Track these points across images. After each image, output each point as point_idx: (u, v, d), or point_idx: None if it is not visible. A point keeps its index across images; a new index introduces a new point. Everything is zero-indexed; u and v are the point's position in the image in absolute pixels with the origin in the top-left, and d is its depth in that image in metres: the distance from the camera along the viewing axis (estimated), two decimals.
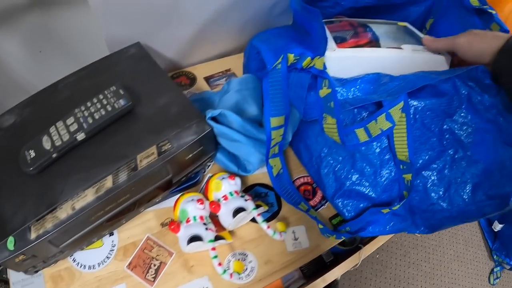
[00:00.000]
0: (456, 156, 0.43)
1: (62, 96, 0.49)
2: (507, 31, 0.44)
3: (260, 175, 0.52)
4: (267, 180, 0.51)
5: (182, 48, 0.59)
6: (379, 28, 0.49)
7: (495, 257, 1.01)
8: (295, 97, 0.45)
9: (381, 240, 0.53)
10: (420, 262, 0.91)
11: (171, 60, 0.61)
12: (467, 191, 0.42)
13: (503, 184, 0.40)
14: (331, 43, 0.44)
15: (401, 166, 0.45)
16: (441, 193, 0.43)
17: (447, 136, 0.42)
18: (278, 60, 0.44)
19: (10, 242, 0.38)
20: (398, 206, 0.44)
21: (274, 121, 0.45)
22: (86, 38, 0.63)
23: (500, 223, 0.96)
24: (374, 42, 0.47)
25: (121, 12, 0.48)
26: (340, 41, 0.46)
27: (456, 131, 0.42)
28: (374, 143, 0.45)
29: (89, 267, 0.45)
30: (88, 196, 0.40)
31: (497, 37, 0.37)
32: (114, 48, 0.53)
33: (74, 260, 0.46)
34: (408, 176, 0.44)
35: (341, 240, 0.48)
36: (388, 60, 0.45)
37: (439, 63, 0.45)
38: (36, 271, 0.44)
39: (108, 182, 0.40)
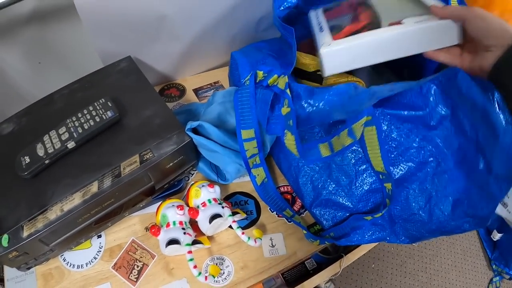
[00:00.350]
0: (438, 169, 0.44)
1: (56, 107, 0.54)
2: None
3: (241, 184, 0.55)
4: (248, 189, 0.55)
5: (173, 62, 0.63)
6: (381, 1, 0.46)
7: (494, 266, 1.00)
8: (260, 113, 0.47)
9: (363, 250, 0.55)
10: (416, 272, 0.92)
11: (162, 73, 0.66)
12: (447, 206, 0.44)
13: (482, 207, 0.41)
14: (326, 37, 0.42)
15: (380, 176, 0.47)
16: (421, 204, 0.45)
17: (430, 147, 0.43)
18: (247, 76, 0.47)
19: (5, 239, 0.42)
20: (380, 214, 0.46)
21: (245, 134, 0.47)
22: (82, 51, 0.68)
23: (499, 232, 0.95)
24: (374, 22, 0.43)
25: (111, 27, 0.53)
26: (337, 31, 0.43)
27: (440, 144, 0.43)
28: (349, 154, 0.47)
29: (78, 267, 0.49)
30: (75, 200, 0.44)
31: None
32: (107, 61, 0.58)
33: (64, 260, 0.50)
34: (388, 185, 0.46)
35: (324, 246, 0.51)
36: (389, 40, 0.41)
37: (448, 32, 0.39)
38: (29, 268, 0.49)
39: (94, 187, 0.44)
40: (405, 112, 0.44)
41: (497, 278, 1.00)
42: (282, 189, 0.56)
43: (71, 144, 0.46)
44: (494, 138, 0.37)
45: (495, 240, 0.98)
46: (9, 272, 0.52)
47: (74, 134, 0.47)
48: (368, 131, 0.44)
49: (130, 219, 0.52)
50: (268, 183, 0.52)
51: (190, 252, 0.44)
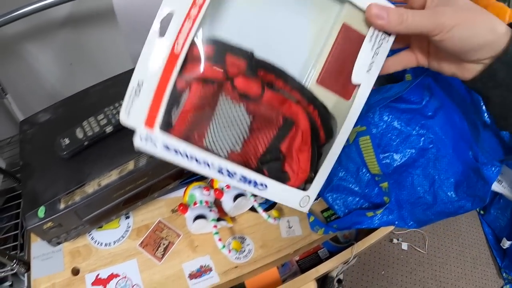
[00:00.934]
0: (438, 154, 0.52)
1: (91, 100, 0.62)
2: None
3: None
4: None
5: None
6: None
7: (504, 274, 1.03)
8: None
9: (373, 238, 0.61)
10: (426, 280, 0.96)
11: None
12: (450, 188, 0.50)
13: (479, 188, 0.48)
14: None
15: (376, 178, 0.54)
16: (426, 187, 0.52)
17: (429, 134, 0.51)
18: None
19: (41, 211, 0.48)
20: (381, 210, 0.53)
21: None
22: (111, 54, 0.77)
23: (508, 240, 0.98)
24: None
25: (144, 30, 0.62)
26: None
27: (438, 131, 0.51)
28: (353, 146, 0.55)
29: (105, 245, 0.55)
30: (112, 176, 0.51)
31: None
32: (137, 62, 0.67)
33: (92, 238, 0.56)
34: (384, 185, 0.54)
35: (328, 235, 0.57)
36: None
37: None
38: (59, 243, 0.54)
39: (130, 165, 0.51)
40: (404, 105, 0.52)
41: (508, 286, 1.03)
42: None
43: (109, 129, 0.54)
44: (477, 130, 0.45)
45: (504, 248, 1.01)
46: (36, 250, 0.57)
47: (112, 120, 0.54)
48: (363, 140, 0.52)
49: (157, 202, 0.58)
50: None
51: (215, 226, 0.50)
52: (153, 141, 0.27)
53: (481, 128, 0.44)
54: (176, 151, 0.27)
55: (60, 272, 0.54)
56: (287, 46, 0.29)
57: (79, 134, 0.54)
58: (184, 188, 0.55)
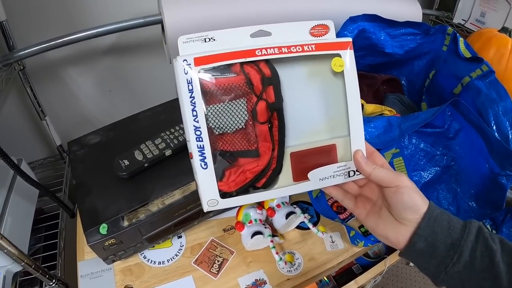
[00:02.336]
0: (459, 170, 0.60)
1: (142, 125, 0.66)
2: (493, 71, 0.60)
3: (301, 195, 0.68)
4: (306, 199, 0.68)
5: None
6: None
7: None
8: None
9: None
10: None
11: None
12: (471, 198, 0.59)
13: (496, 195, 0.56)
14: (212, 185, 0.36)
15: None
16: (450, 200, 0.60)
17: (451, 154, 0.60)
18: None
19: (103, 228, 0.50)
20: None
21: None
22: (150, 83, 0.80)
23: None
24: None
25: None
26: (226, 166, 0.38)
27: (459, 150, 0.59)
28: None
29: (159, 263, 0.57)
30: (176, 196, 0.54)
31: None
32: None
33: (144, 257, 0.58)
34: None
35: (368, 247, 0.62)
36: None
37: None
38: (114, 261, 0.55)
39: (193, 186, 0.55)
40: (429, 130, 0.61)
41: None
42: (332, 199, 0.68)
43: (168, 152, 0.57)
44: (491, 145, 0.55)
45: None
46: (84, 269, 0.58)
47: (171, 144, 0.58)
48: (396, 161, 0.60)
49: (209, 222, 0.61)
50: (321, 197, 0.65)
51: (272, 241, 0.54)
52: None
53: (494, 143, 0.52)
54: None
55: None
56: (301, 118, 0.39)
57: (138, 156, 0.57)
58: (237, 209, 0.58)
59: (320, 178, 0.38)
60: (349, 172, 0.38)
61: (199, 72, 0.33)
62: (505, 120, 0.57)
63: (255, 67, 0.35)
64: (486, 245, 0.32)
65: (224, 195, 0.36)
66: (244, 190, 0.37)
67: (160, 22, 0.65)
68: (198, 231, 0.60)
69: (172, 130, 0.60)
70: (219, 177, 0.36)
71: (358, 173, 0.38)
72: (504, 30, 0.73)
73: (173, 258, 0.57)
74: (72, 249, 0.64)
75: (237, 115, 0.36)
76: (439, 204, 0.61)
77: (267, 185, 0.38)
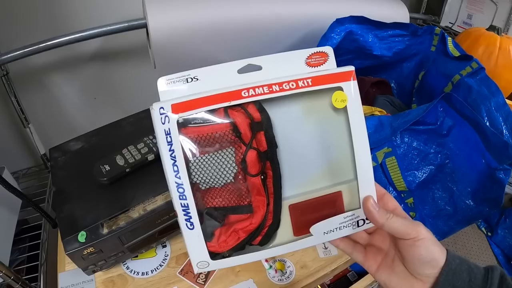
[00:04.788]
0: (454, 168, 0.57)
1: (125, 131, 0.62)
2: (483, 68, 0.58)
3: None
4: None
5: None
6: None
7: None
8: None
9: None
10: None
11: None
12: (468, 196, 0.56)
13: (494, 191, 0.53)
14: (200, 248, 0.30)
15: (402, 195, 0.58)
16: (446, 200, 0.56)
17: (445, 151, 0.57)
18: None
19: (82, 235, 0.46)
20: None
21: None
22: (135, 90, 0.77)
23: None
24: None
25: (176, 67, 0.64)
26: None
27: (453, 147, 0.56)
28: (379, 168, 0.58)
29: (142, 273, 0.52)
30: (158, 201, 0.50)
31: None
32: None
33: (127, 268, 0.53)
34: (410, 200, 0.57)
35: None
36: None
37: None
38: (94, 271, 0.51)
39: None
40: (421, 127, 0.57)
41: None
42: None
43: (151, 157, 0.54)
44: (487, 141, 0.51)
45: None
46: (64, 280, 0.53)
47: (154, 148, 0.55)
48: (389, 161, 0.57)
49: None
50: None
51: None
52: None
53: (490, 137, 0.49)
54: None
55: None
56: (299, 164, 0.33)
57: (120, 161, 0.53)
58: None
59: (325, 232, 0.32)
60: (357, 221, 0.32)
61: (178, 121, 0.28)
62: (498, 115, 0.54)
63: (242, 110, 0.30)
64: None
65: (215, 255, 0.31)
66: (238, 249, 0.32)
67: (145, 26, 0.63)
68: (183, 241, 0.56)
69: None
70: (208, 237, 0.30)
71: (368, 221, 0.32)
72: (492, 28, 0.72)
73: (157, 268, 0.53)
74: (55, 260, 0.59)
75: (224, 168, 0.31)
76: (434, 205, 0.57)
77: (264, 243, 0.32)
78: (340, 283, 0.67)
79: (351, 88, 0.31)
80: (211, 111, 0.29)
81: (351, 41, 0.69)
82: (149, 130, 0.58)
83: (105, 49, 0.71)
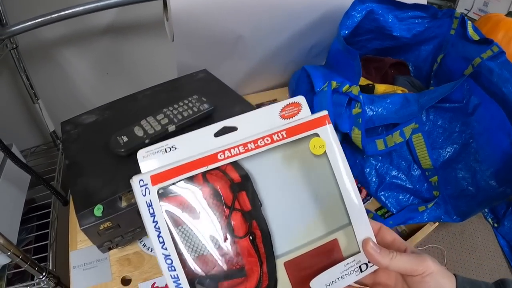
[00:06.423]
0: (478, 147, 0.55)
1: (141, 104, 0.59)
2: (504, 52, 0.56)
3: None
4: None
5: (237, 80, 0.72)
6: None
7: None
8: (335, 113, 0.56)
9: (419, 237, 0.60)
10: None
11: None
12: (490, 177, 0.53)
13: None
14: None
15: (426, 173, 0.55)
16: (469, 180, 0.54)
17: (469, 131, 0.54)
18: (325, 84, 0.57)
19: (98, 209, 0.42)
20: (432, 204, 0.54)
21: None
22: (148, 66, 0.74)
23: None
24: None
25: (196, 41, 0.62)
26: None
27: (477, 127, 0.54)
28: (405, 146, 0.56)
29: None
30: None
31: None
32: (182, 72, 0.65)
33: (144, 245, 0.50)
34: (434, 179, 0.55)
35: None
36: None
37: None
38: (110, 248, 0.47)
39: None
40: (447, 105, 0.55)
41: None
42: None
43: (171, 128, 0.50)
44: None
45: None
46: (76, 259, 0.50)
47: (174, 119, 0.51)
48: (415, 138, 0.55)
49: None
50: None
51: None
52: None
53: None
54: None
55: (107, 282, 0.47)
56: (288, 217, 0.31)
57: (138, 132, 0.50)
58: None
59: (327, 284, 0.30)
60: (360, 266, 0.31)
61: (158, 191, 0.28)
62: None
63: (220, 173, 0.30)
64: None
65: None
66: None
67: None
68: None
69: (176, 106, 0.53)
70: None
71: (371, 264, 0.31)
72: (510, 14, 0.70)
73: None
74: (65, 240, 0.56)
75: (210, 234, 0.29)
76: (457, 185, 0.55)
77: None
78: None
79: (328, 132, 0.31)
80: (190, 178, 0.29)
81: (371, 21, 0.66)
82: (168, 102, 0.55)
83: (118, 22, 0.67)
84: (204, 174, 0.29)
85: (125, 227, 0.45)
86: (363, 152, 0.55)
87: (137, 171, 0.29)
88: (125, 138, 0.49)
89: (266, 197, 0.30)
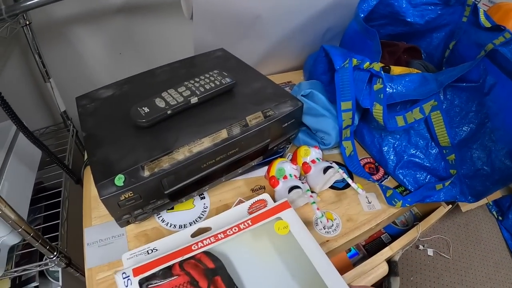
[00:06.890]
0: (493, 127, 0.55)
1: (160, 79, 0.58)
2: None
3: (331, 155, 0.62)
4: (338, 159, 0.61)
5: (254, 60, 0.71)
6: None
7: None
8: (357, 89, 0.56)
9: (433, 218, 0.60)
10: (454, 285, 0.93)
11: None
12: (506, 156, 0.53)
13: None
14: None
15: (444, 151, 0.55)
16: (484, 159, 0.54)
17: (484, 110, 0.55)
18: (345, 61, 0.57)
19: (119, 179, 0.41)
20: (449, 182, 0.54)
21: (344, 105, 0.56)
22: (162, 46, 0.72)
23: None
24: None
25: (214, 19, 0.61)
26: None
27: (492, 106, 0.54)
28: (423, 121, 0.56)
29: (180, 226, 0.47)
30: (205, 143, 0.45)
31: None
32: (199, 51, 0.64)
33: (162, 220, 0.48)
34: (451, 157, 0.55)
35: (405, 207, 0.55)
36: None
37: None
38: (128, 222, 0.45)
39: (224, 134, 0.46)
40: (464, 84, 0.55)
41: None
42: (365, 160, 0.63)
43: (194, 100, 0.49)
44: None
45: None
46: (91, 235, 0.48)
47: (197, 91, 0.50)
48: (434, 115, 0.55)
49: (234, 182, 0.54)
50: (354, 156, 0.58)
51: (311, 196, 0.46)
52: None
53: None
54: None
55: None
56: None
57: (160, 103, 0.49)
58: (269, 164, 0.50)
59: None
60: None
61: (139, 282, 0.32)
62: None
63: (194, 261, 0.34)
64: None
65: None
66: None
67: None
68: (223, 191, 0.51)
69: (197, 79, 0.52)
70: None
71: None
72: None
73: (196, 221, 0.48)
74: (75, 220, 0.54)
75: None
76: (472, 165, 0.55)
77: None
78: (374, 245, 0.64)
79: (290, 215, 0.36)
80: (168, 269, 0.33)
81: (385, 6, 0.67)
82: (187, 77, 0.53)
83: (132, 1, 0.66)
84: (180, 263, 0.33)
85: (146, 199, 0.44)
86: (383, 128, 0.55)
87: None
88: (146, 109, 0.47)
89: (242, 275, 0.33)
